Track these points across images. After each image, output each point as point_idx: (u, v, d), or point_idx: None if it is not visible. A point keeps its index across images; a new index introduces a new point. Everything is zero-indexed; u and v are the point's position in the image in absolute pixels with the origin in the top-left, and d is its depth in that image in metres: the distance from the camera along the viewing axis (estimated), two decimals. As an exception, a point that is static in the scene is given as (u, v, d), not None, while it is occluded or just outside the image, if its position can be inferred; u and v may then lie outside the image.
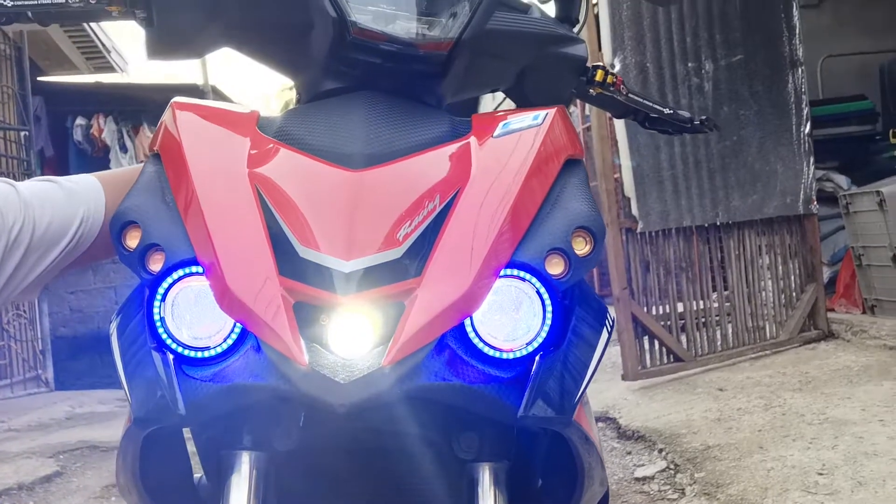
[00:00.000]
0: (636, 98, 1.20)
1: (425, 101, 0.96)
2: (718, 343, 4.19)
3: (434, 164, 0.81)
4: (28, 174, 6.02)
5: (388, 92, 0.91)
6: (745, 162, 4.19)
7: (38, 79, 7.14)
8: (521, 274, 0.75)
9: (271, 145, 0.82)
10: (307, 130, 0.84)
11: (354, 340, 0.71)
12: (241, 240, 0.72)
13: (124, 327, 0.78)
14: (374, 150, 0.80)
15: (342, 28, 0.87)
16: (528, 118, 0.89)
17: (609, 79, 1.13)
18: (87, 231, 0.94)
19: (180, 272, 0.73)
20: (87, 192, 0.96)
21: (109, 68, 7.65)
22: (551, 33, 1.05)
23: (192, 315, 0.74)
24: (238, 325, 0.72)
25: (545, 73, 1.07)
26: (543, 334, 0.74)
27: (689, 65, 4.01)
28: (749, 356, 4.24)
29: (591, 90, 1.14)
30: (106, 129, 7.61)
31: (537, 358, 0.74)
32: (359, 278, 0.69)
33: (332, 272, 0.69)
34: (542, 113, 0.89)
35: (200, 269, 0.73)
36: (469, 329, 0.73)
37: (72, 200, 0.94)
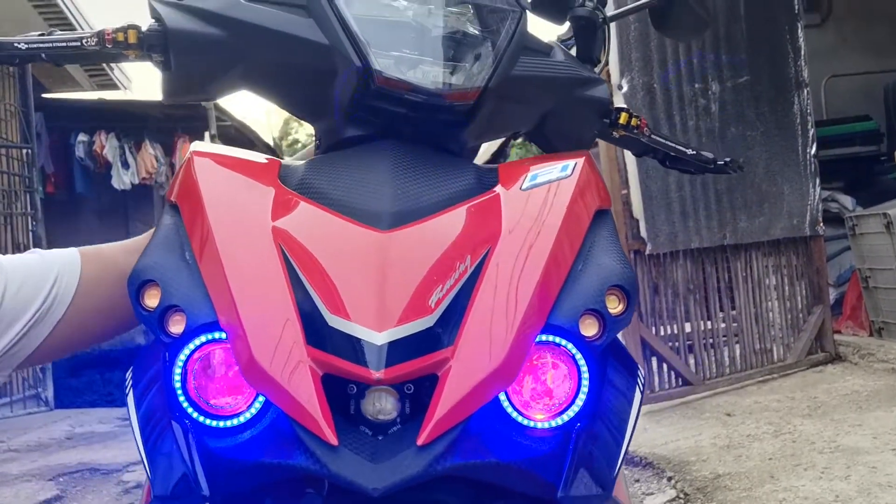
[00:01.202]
0: (659, 139, 1.17)
1: (449, 148, 0.93)
2: (727, 366, 4.17)
3: (463, 220, 0.78)
4: (30, 191, 6.01)
5: (412, 140, 0.89)
6: (751, 183, 4.18)
7: (43, 95, 7.14)
8: (557, 339, 0.72)
9: (294, 199, 0.79)
10: (331, 184, 0.81)
11: (386, 417, 0.68)
12: (267, 305, 0.69)
13: (141, 392, 0.75)
14: (401, 207, 0.77)
15: (366, 77, 0.84)
16: (555, 169, 0.86)
17: (633, 121, 1.11)
18: (59, 294, 0.91)
19: (203, 338, 0.70)
20: (63, 258, 0.94)
21: (112, 85, 7.65)
22: (574, 76, 1.02)
23: (215, 382, 0.71)
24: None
25: (568, 117, 1.04)
26: (580, 402, 0.71)
27: (696, 86, 4.01)
28: (757, 379, 4.21)
29: (614, 132, 1.12)
30: (108, 146, 7.60)
31: (576, 427, 0.71)
32: (391, 350, 0.66)
33: (364, 344, 0.66)
34: (570, 163, 0.87)
35: (223, 335, 0.70)
36: (503, 398, 0.70)
37: (45, 263, 0.92)
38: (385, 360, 0.65)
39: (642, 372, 0.85)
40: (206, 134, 7.37)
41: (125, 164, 7.74)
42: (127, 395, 0.78)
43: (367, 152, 0.86)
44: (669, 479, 3.03)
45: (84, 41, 0.92)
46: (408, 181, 0.81)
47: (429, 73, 0.87)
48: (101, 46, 0.92)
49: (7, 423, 5.25)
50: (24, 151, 5.95)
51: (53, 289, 0.90)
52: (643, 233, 3.86)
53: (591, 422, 0.73)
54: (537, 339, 0.72)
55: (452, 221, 0.77)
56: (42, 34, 0.95)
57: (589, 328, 0.74)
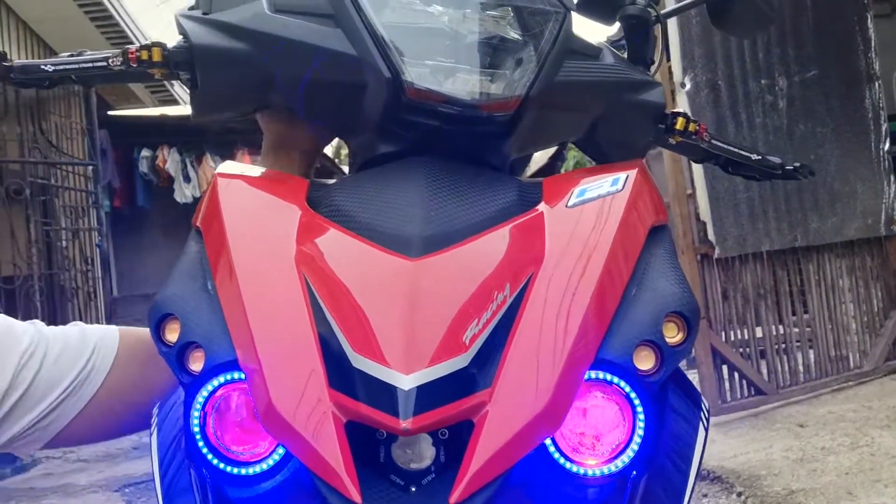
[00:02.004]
0: (721, 145, 1.08)
1: (489, 162, 0.87)
2: (801, 375, 3.99)
3: (502, 243, 0.71)
4: (96, 206, 6.17)
5: (448, 155, 0.83)
6: (823, 182, 3.99)
7: (108, 113, 7.34)
8: (608, 377, 0.65)
9: (321, 224, 0.73)
10: (360, 206, 0.75)
11: (418, 465, 0.62)
12: (288, 344, 0.64)
13: (164, 434, 0.71)
14: (433, 231, 0.70)
15: (396, 89, 0.78)
16: (605, 183, 0.78)
17: (691, 126, 1.02)
18: (95, 367, 0.89)
19: (221, 379, 0.65)
20: (101, 333, 0.92)
21: (173, 101, 7.82)
22: (626, 80, 0.95)
23: (234, 426, 0.66)
24: None
25: (620, 123, 0.97)
26: (636, 446, 0.64)
27: (763, 82, 3.84)
28: (832, 387, 4.02)
29: (670, 139, 1.04)
30: (170, 160, 7.76)
31: (632, 475, 0.63)
32: (420, 396, 0.59)
33: (390, 389, 0.60)
34: (621, 176, 0.79)
35: (243, 375, 0.65)
36: (549, 443, 0.63)
37: (84, 336, 0.91)
38: (413, 407, 0.59)
39: (706, 404, 0.77)
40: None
41: (187, 178, 7.89)
42: (151, 434, 0.73)
43: (399, 170, 0.80)
44: (739, 494, 2.90)
45: (110, 61, 0.89)
46: (442, 202, 0.74)
47: (465, 82, 0.81)
48: (126, 66, 0.89)
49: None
50: (89, 168, 6.11)
51: (90, 362, 0.89)
52: (711, 236, 3.71)
53: (649, 466, 0.65)
54: (587, 377, 0.65)
55: (490, 245, 0.70)
56: (71, 55, 0.93)
57: (644, 361, 0.66)
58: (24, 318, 0.93)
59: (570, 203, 0.76)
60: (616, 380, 0.65)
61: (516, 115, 0.82)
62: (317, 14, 0.84)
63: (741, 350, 3.85)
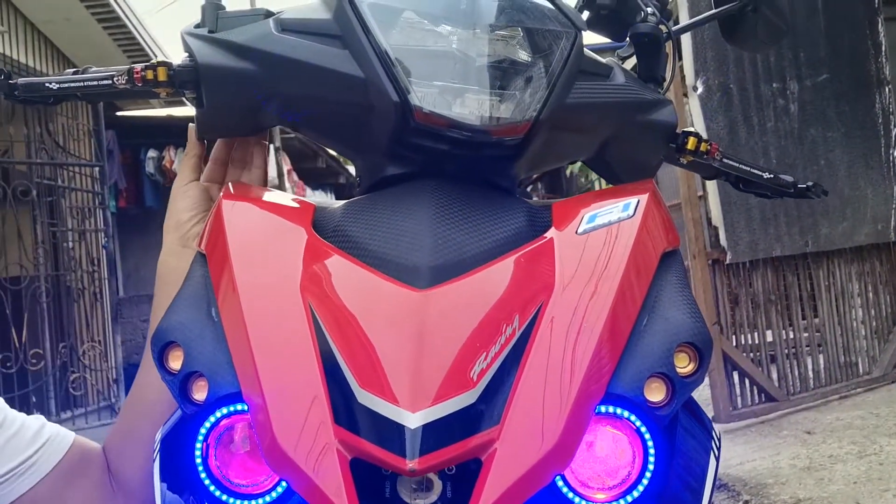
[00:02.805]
0: (733, 164, 1.07)
1: (498, 184, 0.85)
2: (811, 381, 3.97)
3: (510, 273, 0.69)
4: (102, 208, 6.17)
5: (457, 177, 0.81)
6: (833, 187, 3.97)
7: (116, 114, 7.34)
8: (619, 411, 0.63)
9: (327, 251, 0.72)
10: (367, 232, 0.74)
11: (421, 500, 0.61)
12: (292, 376, 0.63)
13: (165, 460, 0.70)
14: (441, 260, 0.69)
15: (405, 113, 0.77)
16: (616, 208, 0.77)
17: (703, 147, 1.00)
18: (40, 458, 0.90)
19: (224, 410, 0.64)
20: (57, 432, 0.94)
21: (180, 102, 7.77)
22: (637, 100, 0.93)
23: (237, 458, 0.65)
24: None
25: (631, 143, 0.95)
26: (646, 480, 0.62)
27: (774, 85, 3.82)
28: (841, 394, 4.00)
29: (681, 158, 1.02)
30: (177, 161, 7.76)
31: None
32: (427, 434, 0.58)
33: (396, 427, 0.59)
34: (632, 201, 0.78)
35: (246, 407, 0.64)
36: (558, 478, 0.62)
37: (41, 427, 0.93)
38: (420, 446, 0.57)
39: (717, 432, 0.76)
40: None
41: (193, 179, 7.89)
42: (154, 461, 0.72)
43: (406, 194, 0.79)
44: (746, 502, 2.88)
45: (115, 79, 0.89)
46: (450, 229, 0.73)
47: (474, 104, 0.80)
48: (131, 85, 0.88)
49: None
50: (96, 169, 6.11)
51: (39, 452, 0.91)
52: (723, 241, 3.70)
53: (659, 500, 0.64)
54: (597, 411, 0.63)
55: (499, 275, 0.69)
56: (76, 71, 0.92)
57: (655, 393, 0.65)
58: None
59: (579, 230, 0.75)
60: (627, 414, 0.63)
61: (526, 138, 0.80)
62: (324, 35, 0.82)
63: (752, 355, 3.83)
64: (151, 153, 7.68)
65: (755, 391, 3.83)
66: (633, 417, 0.63)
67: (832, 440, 3.29)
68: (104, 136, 6.17)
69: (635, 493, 0.62)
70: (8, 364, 4.88)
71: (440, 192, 0.78)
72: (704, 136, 1.05)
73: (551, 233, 0.75)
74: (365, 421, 0.60)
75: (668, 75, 1.04)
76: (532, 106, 0.80)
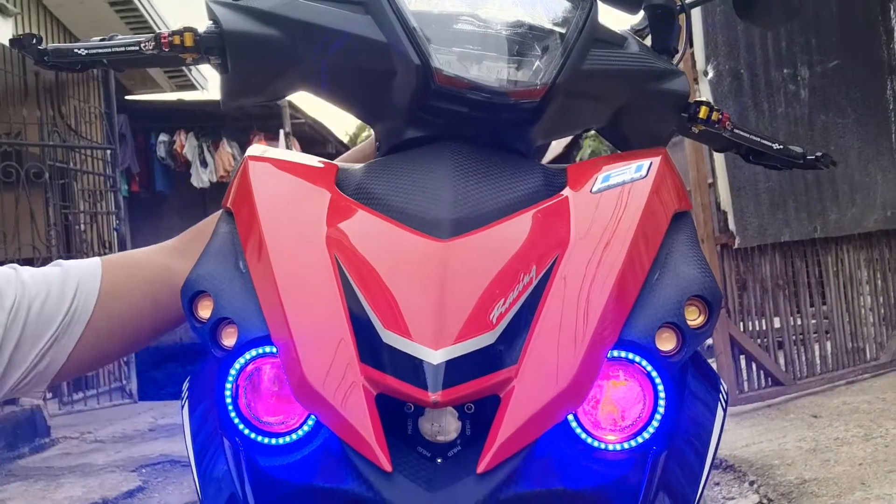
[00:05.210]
0: (743, 134, 1.09)
1: (515, 148, 0.88)
2: (818, 366, 3.99)
3: (528, 227, 0.72)
4: (114, 190, 6.22)
5: (475, 140, 0.84)
6: (843, 173, 3.97)
7: (126, 98, 7.37)
8: (630, 356, 0.66)
9: (351, 206, 0.75)
10: (389, 189, 0.77)
11: (445, 438, 0.64)
12: (319, 320, 0.66)
13: (195, 406, 0.73)
14: (462, 214, 0.72)
15: (426, 76, 0.80)
16: (629, 169, 0.80)
17: (714, 115, 1.03)
18: (79, 306, 0.90)
19: (253, 352, 0.67)
20: (83, 269, 0.92)
21: (191, 86, 7.85)
22: (650, 69, 0.95)
23: (266, 398, 0.68)
24: None
25: (643, 112, 0.98)
26: (656, 423, 0.65)
27: (785, 71, 3.82)
28: (848, 379, 4.01)
29: (693, 127, 1.04)
30: (187, 145, 7.81)
31: (652, 450, 0.65)
32: (449, 370, 0.61)
33: (419, 363, 0.61)
34: (645, 163, 0.80)
35: (275, 349, 0.67)
36: (572, 419, 0.65)
37: (66, 275, 0.91)
38: (442, 381, 0.61)
39: (724, 386, 0.78)
40: (281, 132, 7.48)
41: (204, 163, 7.93)
42: (182, 407, 0.76)
43: (427, 154, 0.81)
44: (752, 483, 2.91)
45: (142, 45, 0.91)
46: (469, 185, 0.76)
47: (493, 70, 0.82)
48: (158, 50, 0.90)
49: (93, 415, 5.45)
50: (108, 152, 6.15)
51: (74, 301, 0.89)
52: (731, 226, 3.71)
53: (668, 443, 0.67)
54: (610, 356, 0.66)
55: (517, 228, 0.72)
56: (103, 39, 0.94)
57: (666, 342, 0.68)
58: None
59: (594, 188, 0.77)
60: (638, 359, 0.66)
61: (543, 102, 0.83)
62: (347, 1, 0.85)
63: (759, 341, 3.85)
64: (163, 137, 7.72)
65: (762, 375, 3.85)
66: (644, 362, 0.66)
67: (839, 423, 3.31)
68: (116, 119, 6.21)
69: (645, 435, 0.65)
70: (21, 344, 4.93)
71: (460, 152, 0.80)
72: None
73: (566, 192, 0.77)
74: (389, 359, 0.63)
75: (680, 47, 1.06)
76: (549, 71, 0.82)
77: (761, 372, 3.84)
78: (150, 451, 4.35)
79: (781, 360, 3.93)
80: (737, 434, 3.44)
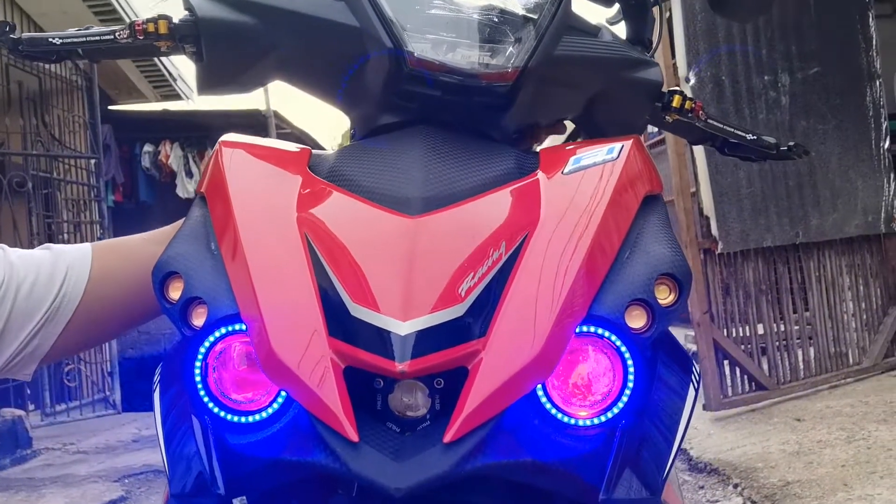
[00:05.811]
0: (716, 124, 1.10)
1: (488, 135, 0.88)
2: (801, 371, 4.01)
3: (498, 205, 0.73)
4: (98, 200, 6.19)
5: (448, 126, 0.84)
6: (824, 179, 4.01)
7: (109, 108, 7.35)
8: (600, 331, 0.66)
9: (322, 187, 0.75)
10: (361, 171, 0.77)
11: (414, 413, 0.64)
12: (288, 295, 0.66)
13: (166, 387, 0.73)
14: (432, 192, 0.72)
15: (398, 59, 0.80)
16: (601, 152, 0.80)
17: (687, 104, 1.04)
18: (69, 291, 0.90)
19: (223, 330, 0.66)
20: (73, 253, 0.93)
21: (176, 96, 7.84)
22: (623, 57, 0.96)
23: (235, 375, 0.67)
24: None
25: (617, 101, 0.98)
26: (625, 398, 0.65)
27: (766, 78, 3.86)
28: (831, 383, 4.03)
29: (667, 117, 1.05)
30: (172, 155, 7.78)
31: (620, 425, 0.65)
32: (417, 341, 0.61)
33: (388, 334, 0.62)
34: (616, 145, 0.81)
35: (244, 327, 0.67)
36: (540, 393, 0.65)
37: (55, 259, 0.91)
38: (410, 351, 0.61)
39: (697, 368, 0.79)
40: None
41: (189, 173, 7.91)
42: (154, 391, 0.75)
43: (399, 138, 0.82)
44: (735, 485, 2.92)
45: (117, 34, 0.91)
46: (441, 165, 0.76)
47: (465, 55, 0.83)
48: (133, 38, 0.90)
49: (76, 426, 5.41)
50: (92, 161, 6.13)
51: (63, 286, 0.89)
52: (714, 231, 3.73)
53: (637, 420, 0.67)
54: (579, 331, 0.66)
55: (487, 207, 0.72)
56: (78, 29, 0.94)
57: (636, 320, 0.68)
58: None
59: (566, 170, 0.78)
60: (607, 334, 0.66)
61: (515, 86, 0.83)
62: None
63: (743, 346, 3.87)
64: (147, 147, 7.70)
65: (746, 380, 3.86)
66: (613, 337, 0.66)
67: (821, 427, 3.33)
68: (100, 129, 6.19)
69: (615, 410, 0.65)
70: (3, 354, 4.89)
71: (433, 135, 0.81)
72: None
73: (539, 174, 0.78)
74: (358, 332, 0.63)
75: (654, 39, 1.08)
76: (520, 56, 0.83)
77: (745, 377, 3.85)
78: (133, 461, 4.31)
79: (765, 365, 3.95)
80: (721, 438, 3.45)
